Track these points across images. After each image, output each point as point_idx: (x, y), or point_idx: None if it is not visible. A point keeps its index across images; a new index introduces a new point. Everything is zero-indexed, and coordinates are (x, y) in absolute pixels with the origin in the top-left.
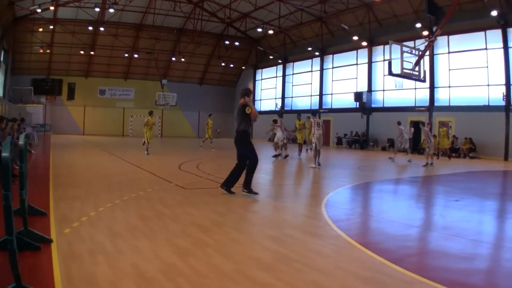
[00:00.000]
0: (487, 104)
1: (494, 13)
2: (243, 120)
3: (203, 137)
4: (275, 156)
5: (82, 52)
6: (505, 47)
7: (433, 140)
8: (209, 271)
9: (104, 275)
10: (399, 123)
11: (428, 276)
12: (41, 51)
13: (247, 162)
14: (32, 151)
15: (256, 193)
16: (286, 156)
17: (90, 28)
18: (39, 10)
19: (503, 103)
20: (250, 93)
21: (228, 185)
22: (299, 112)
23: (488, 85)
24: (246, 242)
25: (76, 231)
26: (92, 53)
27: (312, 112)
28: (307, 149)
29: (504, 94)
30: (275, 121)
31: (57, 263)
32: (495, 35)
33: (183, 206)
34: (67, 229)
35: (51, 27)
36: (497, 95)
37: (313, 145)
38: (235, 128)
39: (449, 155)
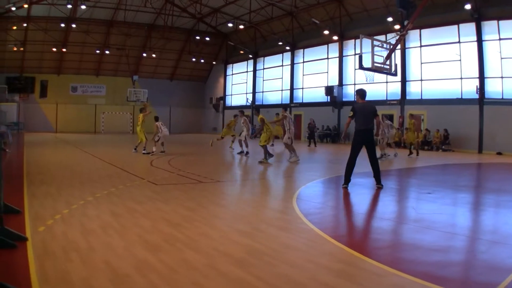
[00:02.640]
0: (460, 97)
1: (467, 6)
2: (372, 121)
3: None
4: (241, 152)
5: (54, 49)
6: (479, 41)
7: (392, 131)
8: (180, 267)
9: (78, 272)
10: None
11: (400, 268)
12: (15, 49)
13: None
14: (7, 150)
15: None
16: (247, 153)
17: (63, 25)
18: (14, 9)
19: (476, 96)
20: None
21: (380, 181)
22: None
23: (461, 78)
24: (217, 237)
25: (50, 229)
26: (64, 50)
27: (284, 107)
28: (272, 144)
29: (478, 87)
30: (242, 112)
31: (32, 261)
32: (469, 28)
33: (154, 202)
34: (41, 227)
35: (25, 24)
36: (470, 88)
37: (289, 140)
38: (366, 126)
39: (416, 149)
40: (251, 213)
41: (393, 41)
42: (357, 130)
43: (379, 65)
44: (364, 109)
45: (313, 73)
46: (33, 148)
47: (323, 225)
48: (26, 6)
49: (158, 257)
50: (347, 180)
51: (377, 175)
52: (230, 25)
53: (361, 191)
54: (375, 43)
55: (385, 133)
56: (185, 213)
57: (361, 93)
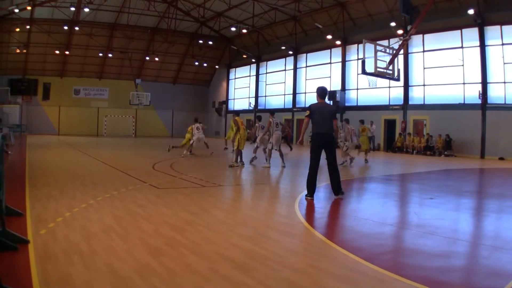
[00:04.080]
0: (462, 102)
1: (470, 11)
2: (332, 124)
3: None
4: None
5: (57, 51)
6: (482, 46)
7: (354, 139)
8: (183, 271)
9: (79, 275)
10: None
11: (402, 274)
12: (18, 51)
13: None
14: (9, 152)
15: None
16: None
17: (66, 27)
18: (16, 10)
19: (479, 101)
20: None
21: (340, 190)
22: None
23: (463, 83)
24: (219, 241)
25: (52, 232)
26: (67, 52)
27: (271, 112)
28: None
29: (480, 92)
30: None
31: (34, 264)
32: (472, 33)
33: (156, 205)
34: (43, 230)
35: (28, 27)
36: (473, 93)
37: (269, 145)
38: (323, 129)
39: (365, 158)
40: (253, 217)
41: (396, 46)
42: (313, 133)
43: (382, 70)
44: (321, 110)
45: (315, 78)
46: (35, 150)
47: (325, 230)
48: (29, 8)
49: (160, 261)
50: (310, 190)
51: (336, 185)
52: (233, 29)
53: (363, 197)
54: (378, 48)
55: (350, 140)
56: (187, 217)
57: (319, 91)
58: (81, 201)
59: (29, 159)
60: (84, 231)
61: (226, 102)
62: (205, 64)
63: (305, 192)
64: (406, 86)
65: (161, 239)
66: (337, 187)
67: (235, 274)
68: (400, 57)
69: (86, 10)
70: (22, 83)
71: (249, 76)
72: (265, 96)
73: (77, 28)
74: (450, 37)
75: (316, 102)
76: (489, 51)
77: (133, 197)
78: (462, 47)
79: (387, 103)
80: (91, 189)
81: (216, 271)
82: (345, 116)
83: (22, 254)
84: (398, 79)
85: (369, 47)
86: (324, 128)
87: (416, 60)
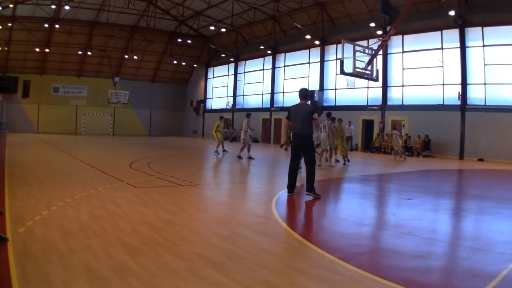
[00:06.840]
0: (441, 103)
1: (451, 13)
2: (310, 124)
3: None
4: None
5: (37, 49)
6: (462, 47)
7: (399, 140)
8: (160, 270)
9: (57, 274)
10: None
11: (379, 274)
12: (0, 48)
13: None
14: None
15: (319, 195)
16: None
17: (46, 25)
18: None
19: (458, 102)
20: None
21: (313, 189)
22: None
23: (443, 84)
24: (196, 241)
25: (30, 230)
26: (47, 50)
27: (328, 113)
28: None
29: (460, 93)
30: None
31: (13, 262)
32: (452, 34)
33: (134, 204)
34: (21, 228)
35: (10, 24)
36: (452, 94)
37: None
38: (299, 129)
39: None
40: (231, 217)
41: (375, 47)
42: (293, 133)
43: (360, 70)
44: (298, 110)
45: (294, 78)
46: (15, 148)
47: (302, 230)
48: (11, 6)
49: (137, 260)
50: (288, 187)
51: (309, 185)
52: (212, 28)
53: (341, 196)
54: (357, 48)
55: (397, 143)
56: (165, 217)
57: (300, 92)
58: (59, 199)
59: (8, 157)
60: (62, 230)
61: (204, 101)
62: (183, 63)
63: (283, 191)
64: (385, 87)
65: (138, 238)
66: (309, 187)
67: (212, 273)
68: (379, 58)
69: (67, 7)
70: (3, 80)
71: (227, 75)
72: (243, 95)
73: (57, 26)
74: (430, 38)
75: (297, 103)
76: (470, 52)
77: (111, 195)
78: (442, 48)
79: (366, 104)
80: (69, 188)
81: (193, 271)
82: (323, 116)
83: (1, 252)
84: (376, 80)
85: (348, 47)
86: (299, 128)
87: (395, 61)
